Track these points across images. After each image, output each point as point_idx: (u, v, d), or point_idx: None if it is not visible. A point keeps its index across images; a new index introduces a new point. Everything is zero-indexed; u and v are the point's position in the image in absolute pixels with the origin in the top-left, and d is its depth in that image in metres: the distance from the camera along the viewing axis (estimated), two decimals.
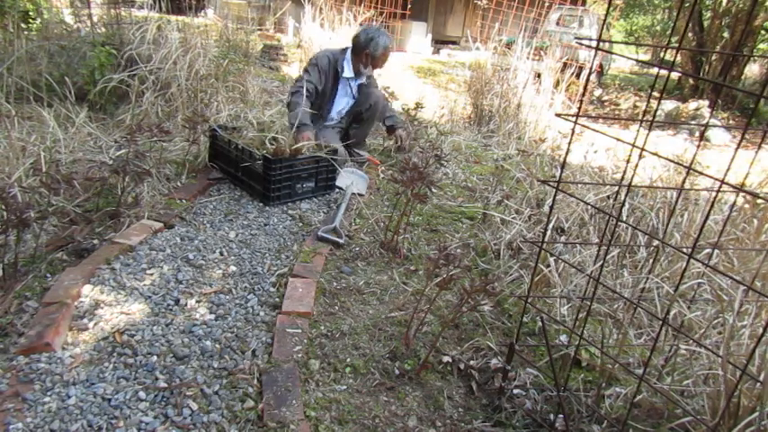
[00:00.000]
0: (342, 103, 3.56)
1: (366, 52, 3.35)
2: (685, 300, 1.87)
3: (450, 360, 1.77)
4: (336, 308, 2.03)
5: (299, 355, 1.72)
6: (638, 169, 2.60)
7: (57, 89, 3.19)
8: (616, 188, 2.53)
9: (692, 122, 8.00)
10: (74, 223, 2.29)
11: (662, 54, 2.12)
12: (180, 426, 1.42)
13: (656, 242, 2.35)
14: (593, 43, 1.47)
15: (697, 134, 7.67)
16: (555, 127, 5.02)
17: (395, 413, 1.57)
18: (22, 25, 3.94)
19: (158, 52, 3.42)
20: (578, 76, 5.77)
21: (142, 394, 1.51)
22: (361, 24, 6.61)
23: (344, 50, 3.45)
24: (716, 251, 2.13)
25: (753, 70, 12.89)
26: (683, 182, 1.82)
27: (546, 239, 1.90)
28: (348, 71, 3.41)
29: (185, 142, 3.12)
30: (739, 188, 1.21)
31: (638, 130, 1.45)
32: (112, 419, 1.42)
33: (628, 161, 1.81)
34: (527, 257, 2.44)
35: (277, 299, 2.03)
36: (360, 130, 3.66)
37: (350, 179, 3.12)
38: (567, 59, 5.43)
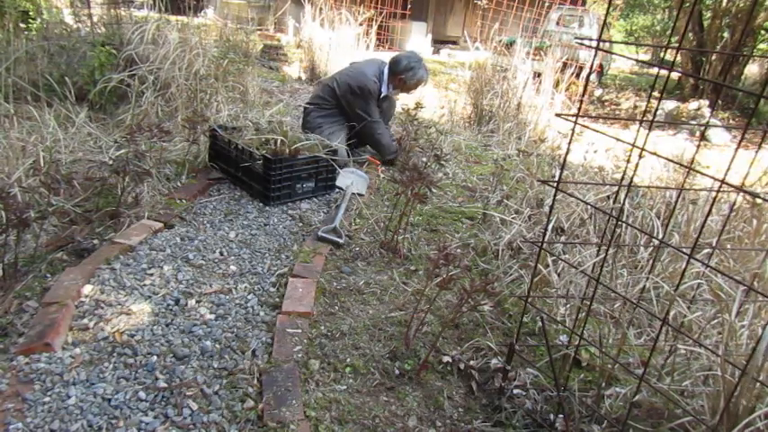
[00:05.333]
0: None
1: (401, 77, 3.48)
2: (685, 300, 1.87)
3: (450, 360, 1.77)
4: (336, 308, 2.03)
5: (299, 355, 1.72)
6: (639, 169, 2.60)
7: (56, 89, 3.19)
8: (616, 188, 2.53)
9: (693, 122, 8.00)
10: (74, 223, 2.29)
11: (662, 54, 2.12)
12: (180, 426, 1.42)
13: (655, 242, 2.35)
14: (594, 43, 1.47)
15: (697, 134, 7.67)
16: (555, 127, 5.02)
17: (395, 413, 1.57)
18: (22, 25, 3.94)
19: (158, 52, 3.42)
20: (578, 76, 5.77)
21: (142, 394, 1.51)
22: (360, 24, 6.61)
23: (384, 66, 3.53)
24: (715, 251, 2.14)
25: (753, 70, 12.88)
26: (683, 182, 1.83)
27: (546, 239, 1.90)
28: (384, 90, 3.53)
29: (185, 142, 3.11)
30: (739, 188, 1.21)
31: (638, 130, 1.45)
32: (112, 419, 1.42)
33: (628, 161, 1.81)
34: (527, 257, 2.44)
35: (277, 299, 2.03)
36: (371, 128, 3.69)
37: (350, 179, 3.12)
38: (567, 59, 5.43)
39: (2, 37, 3.44)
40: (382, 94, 3.52)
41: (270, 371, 1.62)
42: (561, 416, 1.50)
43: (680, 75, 10.89)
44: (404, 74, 3.45)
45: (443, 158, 2.91)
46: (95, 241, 2.21)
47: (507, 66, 5.22)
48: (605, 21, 1.56)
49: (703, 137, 7.52)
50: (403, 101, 4.45)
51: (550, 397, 1.63)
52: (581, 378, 1.72)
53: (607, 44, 5.78)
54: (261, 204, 2.82)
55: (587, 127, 1.68)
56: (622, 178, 1.87)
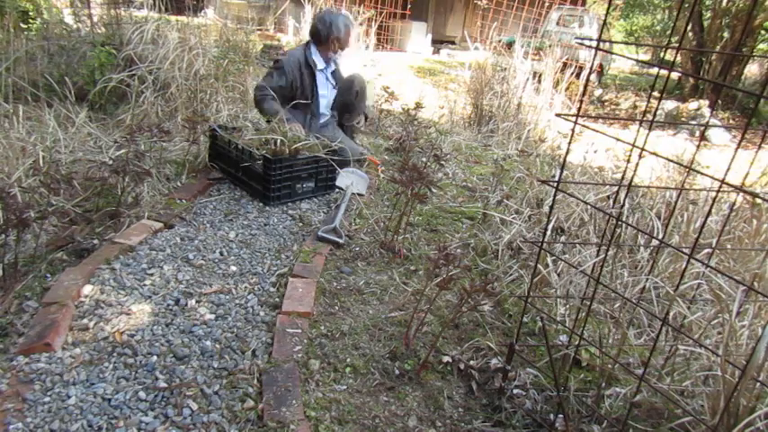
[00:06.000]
0: (327, 96, 3.55)
1: (331, 38, 3.33)
2: (685, 300, 1.87)
3: (450, 360, 1.77)
4: (336, 308, 2.03)
5: (299, 355, 1.72)
6: (638, 169, 2.60)
7: (56, 89, 3.19)
8: (616, 188, 2.53)
9: (693, 122, 8.00)
10: (74, 223, 2.29)
11: (662, 54, 2.12)
12: (180, 426, 1.42)
13: (655, 242, 2.35)
14: (594, 43, 1.47)
15: (697, 134, 7.67)
16: (555, 127, 5.02)
17: (395, 413, 1.57)
18: (22, 25, 3.94)
19: (157, 52, 3.42)
20: (578, 76, 5.77)
21: (142, 394, 1.51)
22: (361, 24, 6.61)
23: (308, 45, 3.43)
24: (715, 251, 2.14)
25: (753, 70, 12.89)
26: (683, 182, 1.83)
27: (546, 239, 1.90)
28: (320, 63, 3.41)
29: (185, 142, 3.12)
30: (739, 188, 1.21)
31: (638, 130, 1.45)
32: (112, 419, 1.42)
33: (628, 161, 1.81)
34: (527, 257, 2.44)
35: (277, 299, 2.03)
36: (352, 117, 3.69)
37: (350, 179, 3.12)
38: (567, 59, 5.42)
39: (2, 37, 3.43)
40: (318, 66, 3.38)
41: (270, 371, 1.62)
42: (561, 416, 1.50)
43: (680, 75, 10.89)
44: (331, 33, 3.30)
45: (443, 158, 2.91)
46: (95, 241, 2.21)
47: (507, 66, 5.22)
48: (605, 21, 1.56)
49: (703, 137, 7.52)
50: (403, 101, 4.44)
51: (550, 397, 1.63)
52: (581, 378, 1.72)
53: (607, 44, 5.79)
54: (261, 204, 2.82)
55: (587, 127, 1.69)
56: (622, 178, 1.87)
